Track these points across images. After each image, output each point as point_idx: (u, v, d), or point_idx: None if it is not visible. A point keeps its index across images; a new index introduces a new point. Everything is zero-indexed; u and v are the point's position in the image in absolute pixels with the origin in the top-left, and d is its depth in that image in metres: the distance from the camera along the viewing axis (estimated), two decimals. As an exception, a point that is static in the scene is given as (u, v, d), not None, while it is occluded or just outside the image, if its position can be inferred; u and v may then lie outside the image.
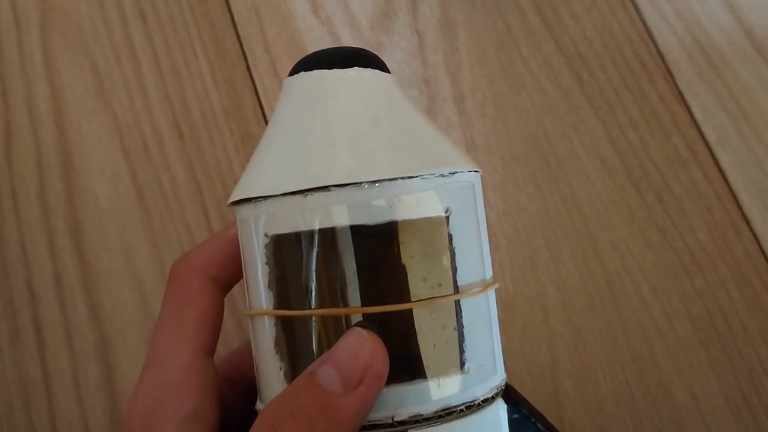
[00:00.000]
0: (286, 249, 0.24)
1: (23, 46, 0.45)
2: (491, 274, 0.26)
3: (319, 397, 0.22)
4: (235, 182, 0.43)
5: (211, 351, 0.27)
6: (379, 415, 0.23)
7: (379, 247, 0.23)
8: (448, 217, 0.24)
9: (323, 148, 0.24)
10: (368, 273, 0.23)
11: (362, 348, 0.22)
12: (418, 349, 0.23)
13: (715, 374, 0.40)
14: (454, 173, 0.25)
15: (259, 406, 0.26)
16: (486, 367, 0.25)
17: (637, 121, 0.44)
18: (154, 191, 0.43)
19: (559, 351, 0.41)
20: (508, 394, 0.26)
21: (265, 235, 0.25)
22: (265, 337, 0.25)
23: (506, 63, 0.45)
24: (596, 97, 0.45)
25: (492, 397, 0.25)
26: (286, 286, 0.24)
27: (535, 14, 0.46)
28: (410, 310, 0.23)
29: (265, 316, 0.25)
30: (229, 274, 0.28)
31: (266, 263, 0.25)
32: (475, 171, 0.26)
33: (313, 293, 0.24)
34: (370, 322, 0.23)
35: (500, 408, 0.25)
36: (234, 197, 0.26)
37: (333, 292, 0.23)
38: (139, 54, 0.45)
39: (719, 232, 0.42)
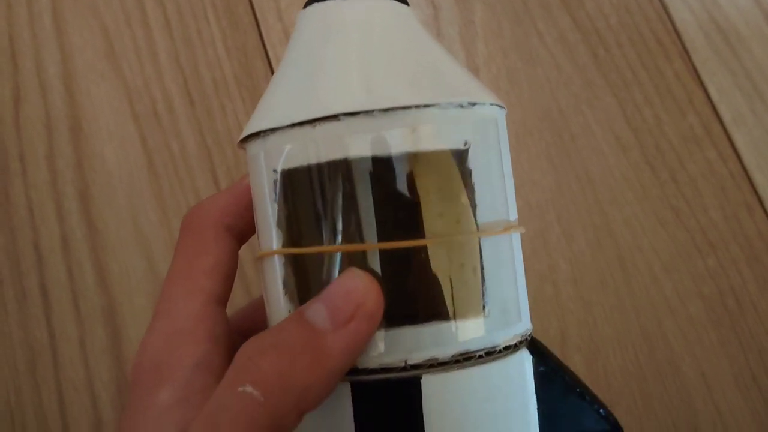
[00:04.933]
0: (295, 184, 0.23)
1: (32, 7, 0.45)
2: (516, 217, 0.25)
3: (304, 332, 0.21)
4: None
5: (223, 300, 0.26)
6: (391, 358, 0.22)
7: (392, 181, 0.22)
8: (467, 151, 0.23)
9: (335, 78, 0.23)
10: (380, 208, 0.22)
11: (355, 286, 0.21)
12: (434, 289, 0.22)
13: (725, 353, 0.40)
14: (474, 104, 0.23)
15: None
16: (509, 313, 0.23)
17: (652, 98, 0.44)
18: (164, 157, 0.42)
19: (569, 326, 0.40)
20: (534, 347, 0.25)
21: (274, 170, 0.23)
22: (274, 279, 0.24)
23: (522, 37, 0.45)
24: (612, 74, 0.44)
25: (515, 345, 0.23)
26: (296, 223, 0.23)
27: (551, -11, 0.46)
28: (425, 248, 0.22)
29: (275, 257, 0.23)
30: (244, 224, 0.27)
31: (275, 200, 0.23)
32: (499, 106, 0.24)
33: (323, 230, 0.22)
34: (381, 259, 0.22)
35: (524, 359, 0.24)
36: (243, 134, 0.25)
37: (344, 229, 0.22)
38: (150, 19, 0.45)
39: (732, 211, 0.42)
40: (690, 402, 0.39)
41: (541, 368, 0.24)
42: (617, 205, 0.42)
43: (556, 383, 0.24)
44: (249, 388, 0.21)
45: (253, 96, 0.43)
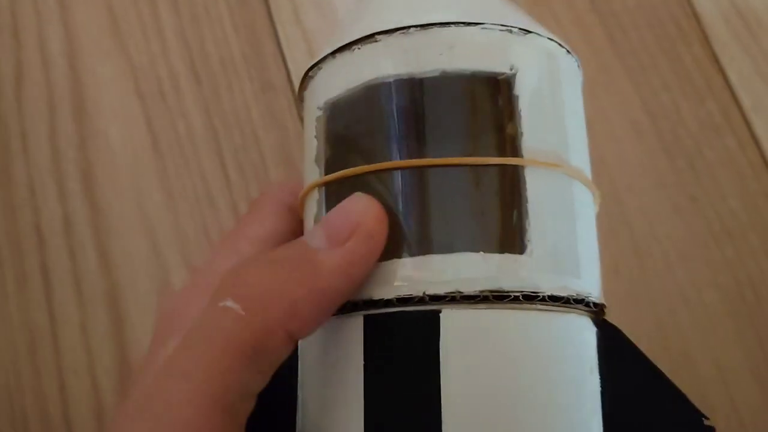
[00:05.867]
0: (336, 114, 0.22)
1: (36, -17, 0.44)
2: (582, 165, 0.23)
3: (298, 251, 0.20)
4: (254, 132, 0.41)
5: None
6: (410, 289, 0.20)
7: (427, 101, 0.20)
8: (514, 76, 0.21)
9: (380, 7, 0.22)
10: (413, 128, 0.20)
11: (353, 206, 0.20)
12: (462, 215, 0.20)
13: (741, 345, 0.39)
14: (528, 32, 0.21)
15: None
16: (561, 261, 0.21)
17: (670, 83, 0.43)
18: (169, 137, 0.41)
19: (582, 316, 0.40)
20: (610, 331, 0.22)
21: (318, 107, 0.22)
22: (309, 216, 0.23)
23: (538, 18, 0.44)
24: (628, 58, 0.43)
25: (567, 300, 0.20)
26: (332, 154, 0.22)
27: (567, -30, 0.45)
28: (455, 169, 0.20)
29: (314, 192, 0.22)
30: None
31: (316, 137, 0.22)
32: (563, 47, 0.23)
33: (353, 156, 0.21)
34: (403, 182, 0.20)
35: (583, 325, 0.21)
36: (299, 86, 0.24)
37: (371, 152, 0.21)
38: (156, -4, 0.44)
39: (750, 200, 0.41)
40: (704, 394, 0.39)
41: (614, 345, 0.21)
42: (633, 192, 0.41)
43: (635, 366, 0.22)
44: (229, 302, 0.19)
45: (261, 76, 0.42)
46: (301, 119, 0.42)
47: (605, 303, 0.23)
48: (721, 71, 0.43)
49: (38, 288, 0.39)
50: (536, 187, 0.21)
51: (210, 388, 0.18)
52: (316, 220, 0.22)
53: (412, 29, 0.21)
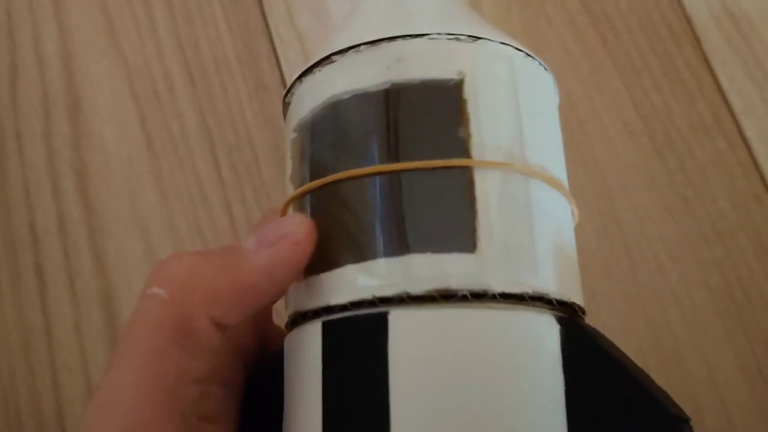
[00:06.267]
0: (304, 134, 0.23)
1: (32, -17, 0.44)
2: (561, 170, 0.23)
3: (230, 248, 0.22)
4: (247, 131, 0.42)
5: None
6: (361, 293, 0.20)
7: (379, 112, 0.21)
8: (461, 81, 0.21)
9: (346, 29, 0.24)
10: (366, 138, 0.21)
11: (286, 219, 0.22)
12: (412, 217, 0.20)
13: (731, 345, 0.39)
14: (477, 38, 0.22)
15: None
16: (515, 259, 0.20)
17: (661, 85, 0.43)
18: (163, 138, 0.42)
19: (573, 315, 0.40)
20: (581, 331, 0.21)
21: (293, 130, 0.24)
22: None
23: (530, 20, 0.44)
24: (621, 59, 0.43)
25: (521, 297, 0.20)
26: (301, 172, 0.23)
27: (560, -28, 0.45)
28: (406, 174, 0.21)
29: (290, 206, 0.23)
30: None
31: (291, 157, 0.23)
32: (520, 50, 0.23)
33: (310, 170, 0.22)
34: (349, 188, 0.21)
35: (542, 322, 0.20)
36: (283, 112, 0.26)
37: (334, 165, 0.22)
38: (151, -4, 0.44)
39: (740, 201, 0.41)
40: (694, 394, 0.39)
41: (581, 345, 0.21)
42: (624, 192, 0.41)
43: (604, 364, 0.21)
44: (156, 289, 0.21)
45: (255, 76, 0.42)
46: (295, 119, 0.42)
47: (580, 302, 0.22)
48: (712, 73, 0.43)
49: (32, 287, 0.39)
50: (486, 187, 0.21)
51: (148, 369, 0.20)
52: None
53: (362, 47, 0.22)
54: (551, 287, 0.21)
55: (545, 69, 0.25)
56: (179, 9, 0.44)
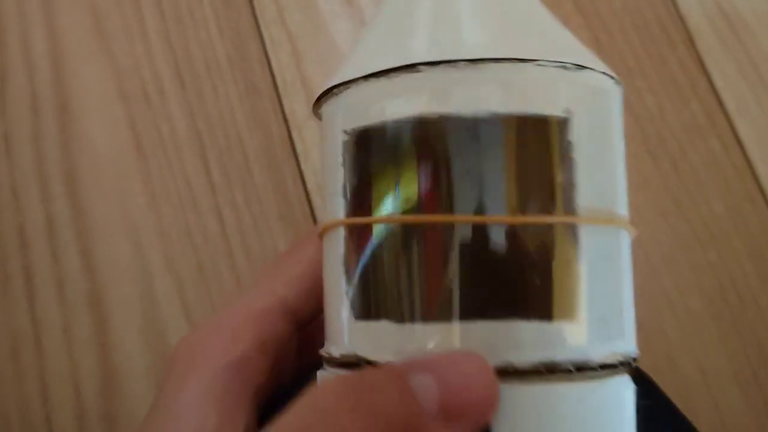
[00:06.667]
0: (366, 146, 0.20)
1: (20, -16, 0.43)
2: (626, 213, 0.21)
3: (407, 407, 0.17)
4: (238, 134, 0.41)
5: (291, 310, 0.24)
6: None
7: (475, 146, 0.18)
8: (568, 119, 0.19)
9: (419, 25, 0.20)
10: (455, 176, 0.18)
11: (479, 379, 0.18)
12: (514, 279, 0.18)
13: (725, 348, 0.39)
14: (582, 68, 0.19)
15: (325, 350, 0.21)
16: (609, 325, 0.19)
17: (655, 86, 0.43)
18: (153, 140, 0.41)
19: (566, 319, 0.40)
20: (639, 377, 0.20)
21: (344, 131, 0.20)
22: (335, 256, 0.20)
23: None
24: (614, 60, 0.43)
25: (614, 366, 0.19)
26: (363, 191, 0.20)
27: (553, -28, 0.45)
28: (505, 229, 0.18)
29: (340, 229, 0.20)
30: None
31: (342, 164, 0.20)
32: (613, 79, 0.21)
33: (390, 200, 0.19)
34: (445, 238, 0.18)
35: (625, 386, 0.20)
36: (318, 98, 0.22)
37: (415, 199, 0.19)
38: (141, -3, 0.44)
39: (734, 203, 0.41)
40: (688, 397, 0.39)
41: (647, 402, 0.20)
42: (617, 195, 0.41)
43: (663, 421, 0.20)
44: None
45: (246, 78, 0.42)
46: (286, 121, 0.42)
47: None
48: (706, 74, 0.43)
49: (21, 291, 0.39)
50: (590, 246, 0.19)
51: None
52: (345, 264, 0.20)
53: (460, 63, 0.19)
54: (632, 348, 0.20)
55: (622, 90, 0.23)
56: (169, 10, 0.43)
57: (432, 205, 0.19)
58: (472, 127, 0.19)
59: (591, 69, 0.20)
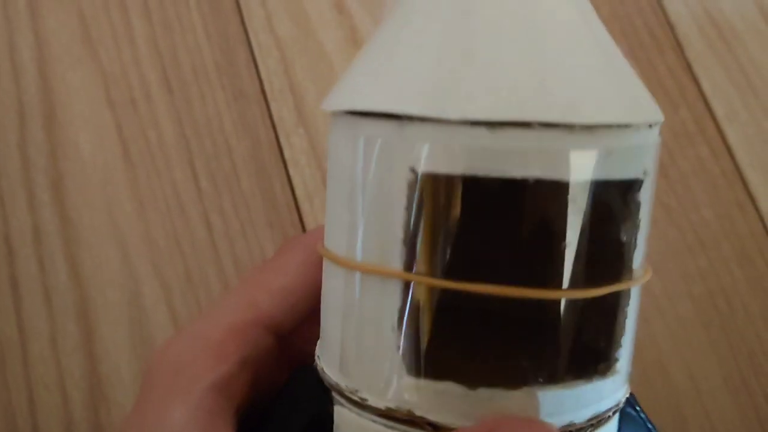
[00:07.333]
0: (449, 196, 0.17)
1: (6, -11, 0.43)
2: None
3: None
4: (226, 141, 0.41)
5: (273, 325, 0.23)
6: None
7: (575, 217, 0.17)
8: (641, 181, 0.18)
9: (517, 63, 0.17)
10: (552, 248, 0.17)
11: None
12: (582, 345, 0.18)
13: (715, 355, 0.39)
14: (655, 125, 0.19)
15: (356, 393, 0.20)
16: (627, 366, 0.20)
17: (644, 92, 0.43)
18: (141, 147, 0.41)
19: (555, 326, 0.39)
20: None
21: (412, 170, 0.17)
22: (380, 306, 0.19)
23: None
24: (603, 67, 0.43)
25: (618, 406, 0.20)
26: (438, 246, 0.18)
27: (542, -22, 0.45)
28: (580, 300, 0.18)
29: (392, 280, 0.18)
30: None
31: (406, 208, 0.18)
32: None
33: (482, 264, 0.17)
34: (524, 308, 0.18)
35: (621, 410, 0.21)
36: (354, 103, 0.18)
37: (505, 269, 0.17)
38: (128, 3, 0.43)
39: (724, 209, 0.41)
40: (678, 404, 0.39)
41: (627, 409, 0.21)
42: (607, 201, 0.41)
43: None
44: None
45: (233, 84, 0.42)
46: (274, 127, 0.41)
47: None
48: (695, 80, 0.43)
49: (7, 299, 0.38)
50: (633, 303, 0.19)
51: None
52: (399, 317, 0.19)
53: (577, 128, 0.17)
54: (628, 384, 0.21)
55: None
56: (157, 16, 0.43)
57: (523, 275, 0.17)
58: (573, 194, 0.17)
59: (657, 123, 0.19)
